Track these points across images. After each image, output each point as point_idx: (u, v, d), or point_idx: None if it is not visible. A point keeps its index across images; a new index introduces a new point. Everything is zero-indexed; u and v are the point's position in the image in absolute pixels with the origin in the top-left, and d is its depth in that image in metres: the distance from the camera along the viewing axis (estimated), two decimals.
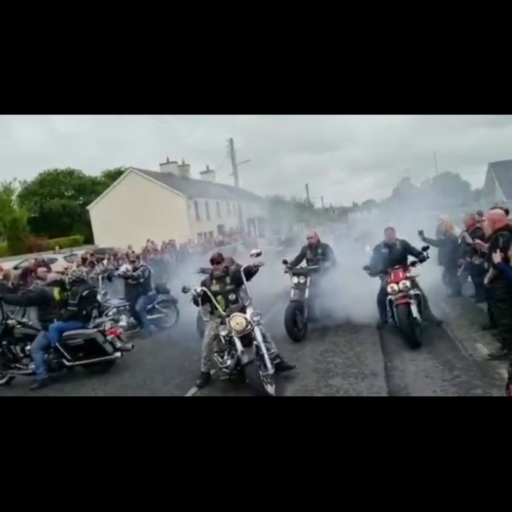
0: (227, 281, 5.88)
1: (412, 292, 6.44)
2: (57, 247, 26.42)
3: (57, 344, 6.64)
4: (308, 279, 7.58)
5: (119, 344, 6.90)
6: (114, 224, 31.03)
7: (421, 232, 8.90)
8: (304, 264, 8.14)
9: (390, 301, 6.59)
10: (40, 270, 8.51)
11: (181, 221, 31.74)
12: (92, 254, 15.73)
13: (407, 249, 7.10)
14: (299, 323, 7.41)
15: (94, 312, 7.16)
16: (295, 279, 7.69)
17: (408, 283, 6.45)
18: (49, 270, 8.90)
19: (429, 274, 8.39)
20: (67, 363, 6.70)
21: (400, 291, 6.44)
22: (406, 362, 5.79)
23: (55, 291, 7.00)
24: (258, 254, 6.20)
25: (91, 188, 44.25)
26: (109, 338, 6.81)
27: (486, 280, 6.03)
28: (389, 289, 6.51)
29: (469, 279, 8.86)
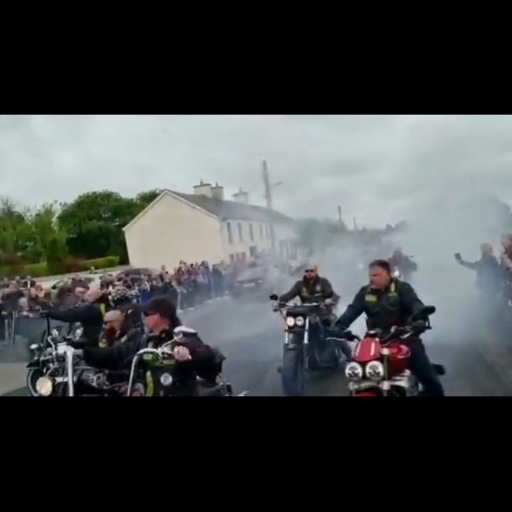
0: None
1: (386, 385, 3.62)
2: (92, 268, 27.11)
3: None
4: (307, 321, 6.14)
5: None
6: (149, 245, 31.66)
7: (458, 255, 8.71)
8: (297, 302, 6.83)
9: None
10: (78, 290, 8.70)
11: (214, 242, 32.09)
12: (127, 274, 16.05)
13: (404, 302, 4.22)
14: (299, 374, 5.91)
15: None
16: (291, 321, 6.17)
17: (380, 367, 3.64)
18: (86, 289, 9.07)
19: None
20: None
21: (364, 377, 3.69)
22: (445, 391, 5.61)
23: (102, 308, 6.82)
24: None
25: (127, 210, 45.41)
26: None
27: None
28: (348, 370, 3.77)
29: (509, 303, 8.58)
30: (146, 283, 16.87)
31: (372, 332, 3.97)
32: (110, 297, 7.01)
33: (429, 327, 3.88)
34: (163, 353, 3.07)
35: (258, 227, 39.45)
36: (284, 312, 6.31)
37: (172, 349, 2.99)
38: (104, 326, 5.76)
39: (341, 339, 4.41)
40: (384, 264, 4.51)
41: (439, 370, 4.46)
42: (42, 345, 6.41)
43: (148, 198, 43.90)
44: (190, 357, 2.91)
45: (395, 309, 4.25)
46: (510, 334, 7.73)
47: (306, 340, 6.05)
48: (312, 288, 6.83)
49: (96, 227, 43.69)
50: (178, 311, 10.51)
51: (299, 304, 6.70)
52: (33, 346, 6.44)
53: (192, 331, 3.37)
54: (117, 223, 44.58)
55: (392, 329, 3.87)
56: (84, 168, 66.36)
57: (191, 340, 3.15)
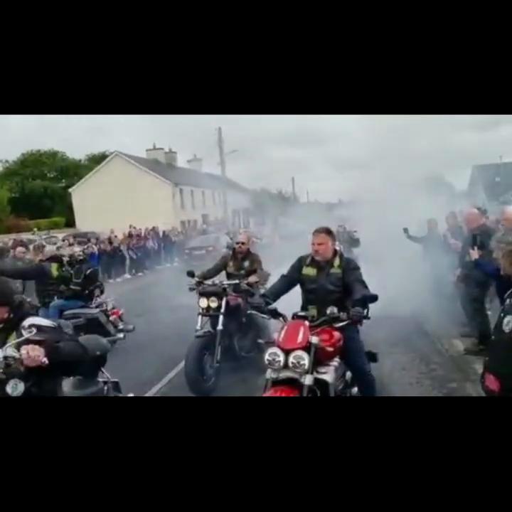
0: None
1: (308, 379, 3.17)
2: (35, 229, 25.97)
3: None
4: (224, 302, 5.19)
5: (121, 325, 6.70)
6: (97, 208, 30.64)
7: (406, 230, 8.95)
8: (223, 279, 5.74)
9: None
10: (19, 250, 8.32)
11: (166, 208, 31.48)
12: (74, 237, 15.51)
13: (347, 282, 3.70)
14: (208, 368, 4.97)
15: (97, 292, 7.05)
16: (203, 302, 5.24)
17: (306, 359, 3.17)
18: (27, 250, 8.71)
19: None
20: None
21: (285, 366, 3.21)
22: (383, 356, 5.83)
23: (53, 268, 6.81)
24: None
25: (74, 171, 43.58)
26: (111, 318, 6.64)
27: (454, 278, 6.14)
28: (267, 356, 3.27)
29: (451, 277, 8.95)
30: (94, 246, 16.37)
31: (301, 314, 3.55)
32: (67, 257, 6.90)
33: (367, 317, 3.35)
34: (5, 358, 2.14)
35: (211, 194, 39.02)
36: (198, 291, 5.35)
37: (18, 350, 2.13)
38: None
39: (264, 315, 3.73)
40: (329, 232, 3.87)
41: (372, 357, 3.98)
42: None
43: (98, 159, 42.25)
44: (44, 360, 2.12)
45: (335, 289, 3.70)
46: (449, 306, 8.10)
47: (220, 326, 5.05)
48: (240, 263, 5.78)
49: (40, 187, 41.66)
50: (126, 276, 10.19)
51: (225, 281, 5.57)
52: None
53: (50, 323, 2.48)
54: (63, 184, 42.72)
55: (328, 311, 3.40)
56: (29, 123, 62.79)
57: (49, 335, 2.31)
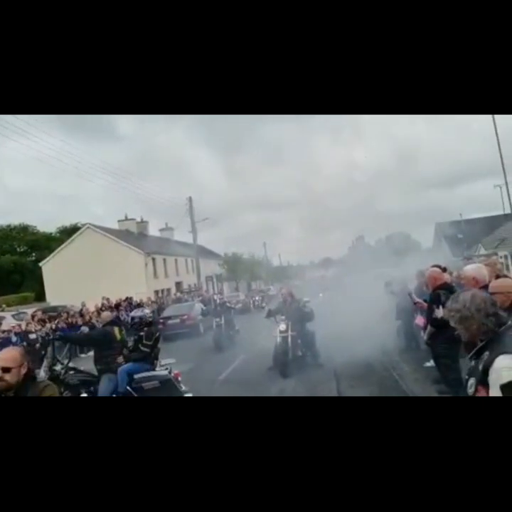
0: None
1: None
2: (4, 305, 25.24)
3: (127, 388, 6.20)
4: None
5: (183, 386, 6.63)
6: (69, 281, 30.15)
7: (388, 283, 9.31)
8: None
9: None
10: None
11: (139, 278, 31.24)
12: (43, 312, 15.15)
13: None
14: None
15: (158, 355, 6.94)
16: None
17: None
18: None
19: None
20: None
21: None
22: None
23: (116, 331, 6.67)
24: None
25: (45, 244, 43.19)
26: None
27: (425, 337, 6.17)
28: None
29: (422, 334, 9.09)
30: (63, 321, 15.97)
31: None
32: (132, 319, 6.83)
33: None
34: None
35: (184, 262, 39.09)
36: None
37: None
38: None
39: None
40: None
41: None
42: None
43: (69, 231, 42.16)
44: None
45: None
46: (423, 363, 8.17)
47: None
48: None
49: (9, 261, 40.97)
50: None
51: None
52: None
53: None
54: (34, 258, 42.16)
55: None
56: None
57: None
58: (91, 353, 7.35)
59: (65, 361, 6.56)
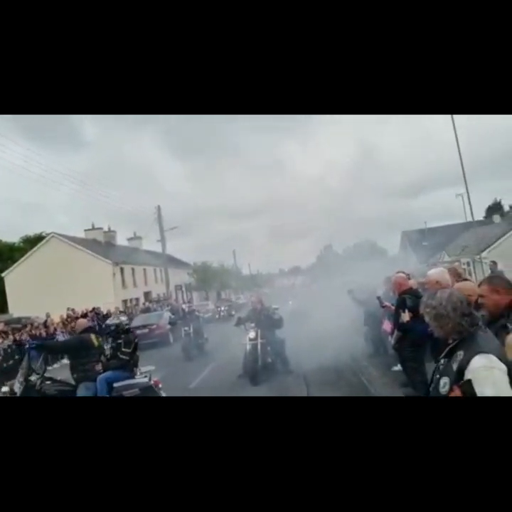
0: None
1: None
2: None
3: (107, 396, 5.99)
4: None
5: (163, 393, 6.47)
6: (33, 292, 29.32)
7: (350, 291, 9.39)
8: None
9: None
10: None
11: (106, 288, 30.67)
12: (6, 324, 14.69)
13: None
14: None
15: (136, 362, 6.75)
16: None
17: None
18: None
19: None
20: None
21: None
22: None
23: (93, 338, 6.46)
24: None
25: (8, 255, 41.91)
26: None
27: (392, 342, 6.30)
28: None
29: (390, 339, 9.26)
30: (27, 333, 15.51)
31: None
32: (112, 328, 6.68)
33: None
34: None
35: (153, 271, 38.64)
36: None
37: None
38: None
39: None
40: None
41: None
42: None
43: (34, 241, 41.04)
44: None
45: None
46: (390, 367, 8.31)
47: None
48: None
49: None
50: (65, 362, 9.68)
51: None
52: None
53: None
54: None
55: None
56: None
57: None
58: (64, 362, 7.19)
59: (41, 371, 6.35)
